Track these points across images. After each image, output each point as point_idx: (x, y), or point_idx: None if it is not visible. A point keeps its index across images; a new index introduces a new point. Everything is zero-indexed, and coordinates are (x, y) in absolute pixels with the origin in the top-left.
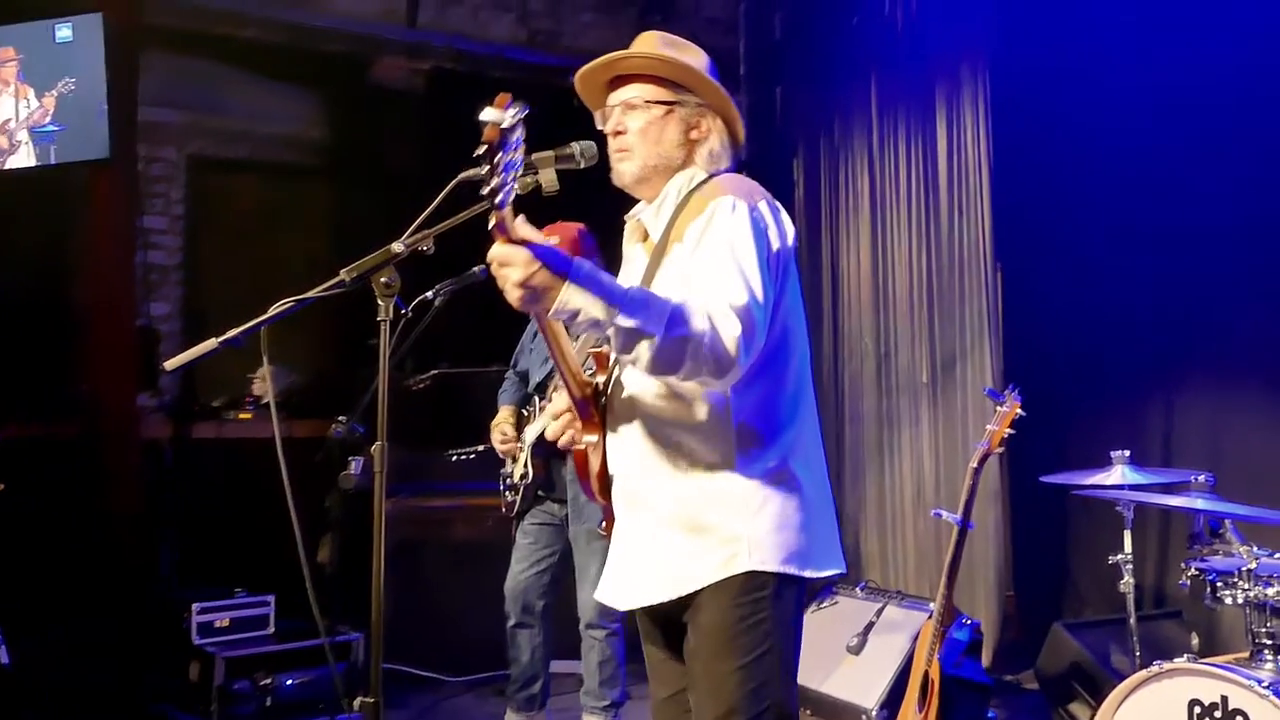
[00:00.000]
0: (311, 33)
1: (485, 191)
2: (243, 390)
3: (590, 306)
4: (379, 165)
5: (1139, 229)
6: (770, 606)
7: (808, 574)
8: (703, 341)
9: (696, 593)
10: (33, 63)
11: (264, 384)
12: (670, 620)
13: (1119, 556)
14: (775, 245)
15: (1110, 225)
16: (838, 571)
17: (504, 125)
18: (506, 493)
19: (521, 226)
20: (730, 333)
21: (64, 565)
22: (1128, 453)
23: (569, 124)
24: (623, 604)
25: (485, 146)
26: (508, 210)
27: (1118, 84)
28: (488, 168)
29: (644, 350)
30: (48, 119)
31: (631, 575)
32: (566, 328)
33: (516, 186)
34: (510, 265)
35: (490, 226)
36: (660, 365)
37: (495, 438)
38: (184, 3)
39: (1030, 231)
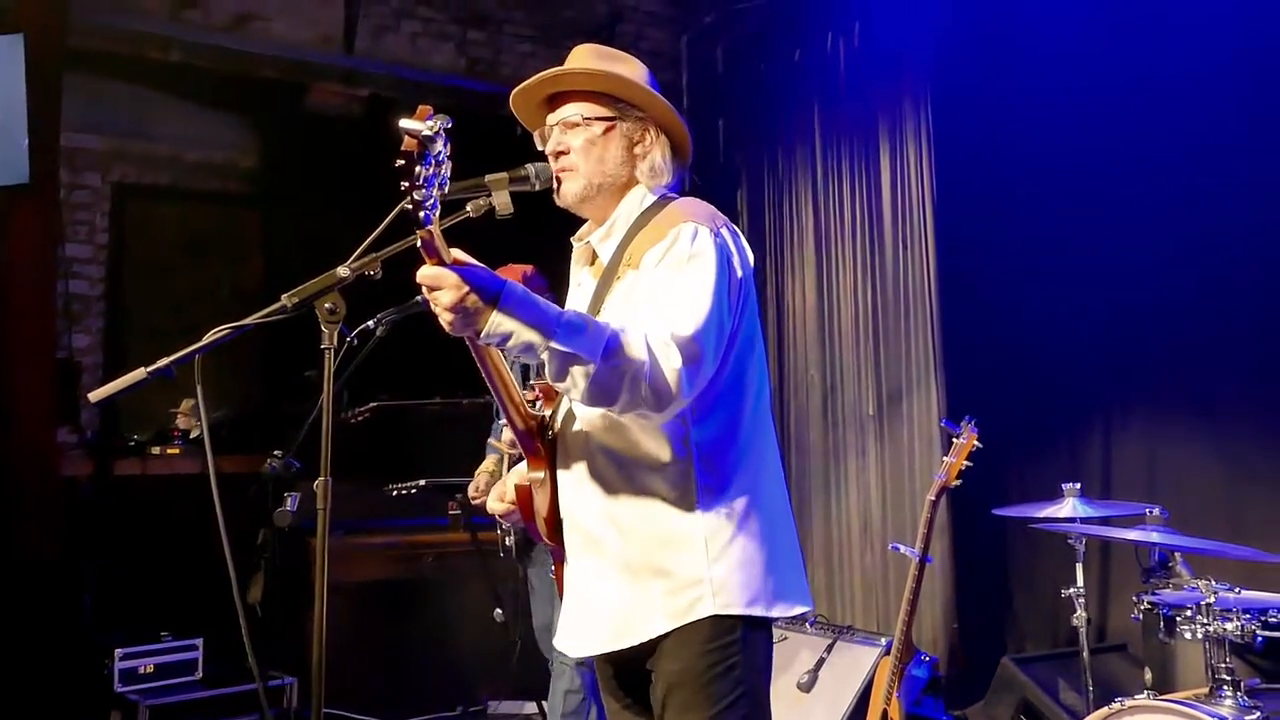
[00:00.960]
0: (244, 58)
1: (409, 206)
2: (168, 425)
3: (523, 330)
4: (314, 193)
5: (1082, 261)
6: (740, 651)
7: (775, 614)
8: (641, 372)
9: (660, 639)
10: None
11: (188, 418)
12: (630, 668)
13: (1072, 590)
14: (739, 273)
15: (1053, 257)
16: (805, 609)
17: (423, 134)
18: (505, 536)
19: (451, 249)
20: (671, 364)
21: None
22: (1079, 485)
23: (509, 153)
24: (578, 651)
25: (403, 160)
26: (433, 228)
27: (1059, 114)
28: (406, 183)
29: (579, 378)
30: None
31: (587, 621)
32: (503, 354)
33: (440, 201)
34: (440, 288)
35: (418, 245)
36: (595, 395)
37: (474, 486)
38: (110, 25)
39: (974, 264)
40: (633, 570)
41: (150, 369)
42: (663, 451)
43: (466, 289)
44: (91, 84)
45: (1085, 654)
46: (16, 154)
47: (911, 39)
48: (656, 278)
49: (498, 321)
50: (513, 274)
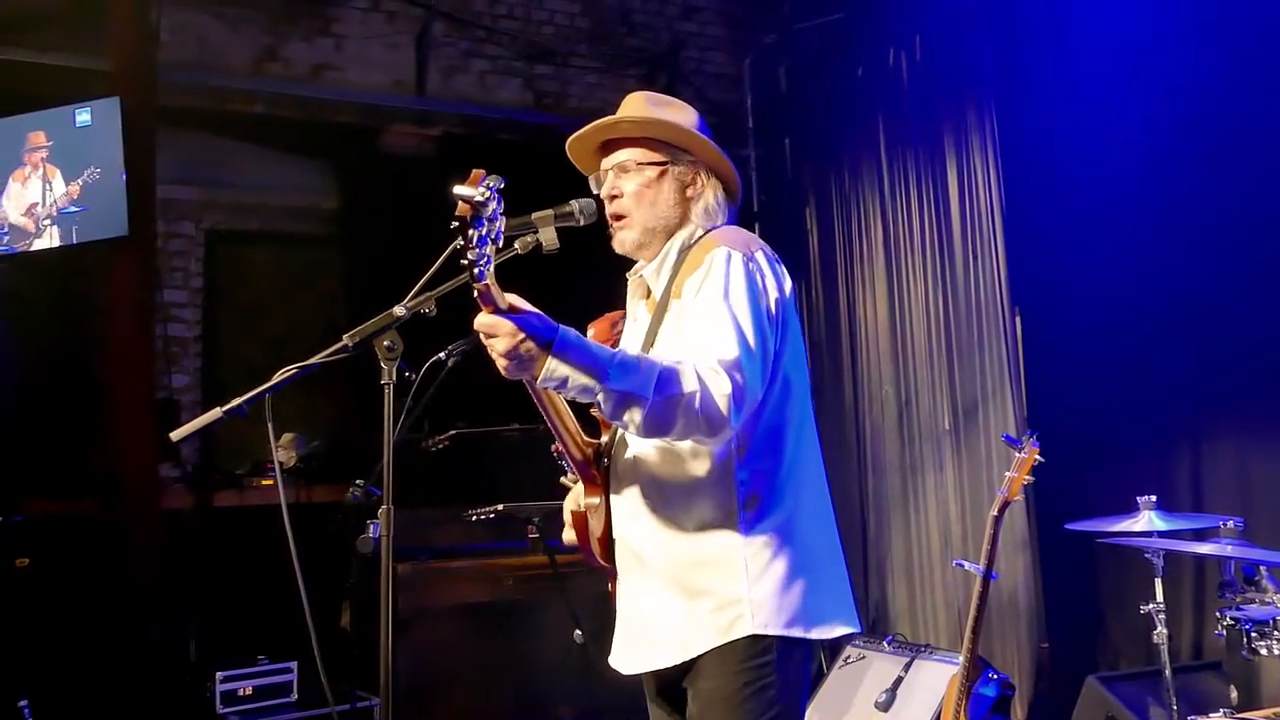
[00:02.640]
0: (321, 105)
1: (464, 264)
2: (264, 458)
3: (577, 375)
4: (391, 232)
5: (1159, 266)
6: (775, 671)
7: (814, 635)
8: (694, 401)
9: (698, 657)
10: (58, 146)
11: (285, 451)
12: (671, 685)
13: (1150, 606)
14: (773, 296)
15: (1129, 262)
16: (850, 630)
17: (475, 200)
18: None
19: (507, 296)
20: (721, 390)
21: (88, 637)
22: (1154, 498)
23: (577, 183)
24: (627, 668)
25: (457, 223)
26: (487, 281)
27: (1128, 116)
28: (461, 243)
29: (635, 414)
30: (72, 202)
31: (636, 639)
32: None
33: (494, 257)
34: (496, 336)
35: (475, 296)
36: (651, 428)
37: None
38: (197, 83)
39: (1048, 272)
40: (678, 590)
41: (225, 408)
42: (708, 476)
43: (521, 336)
44: (182, 138)
45: (1168, 671)
46: (117, 208)
47: (974, 48)
48: (697, 306)
49: (553, 367)
50: (605, 322)
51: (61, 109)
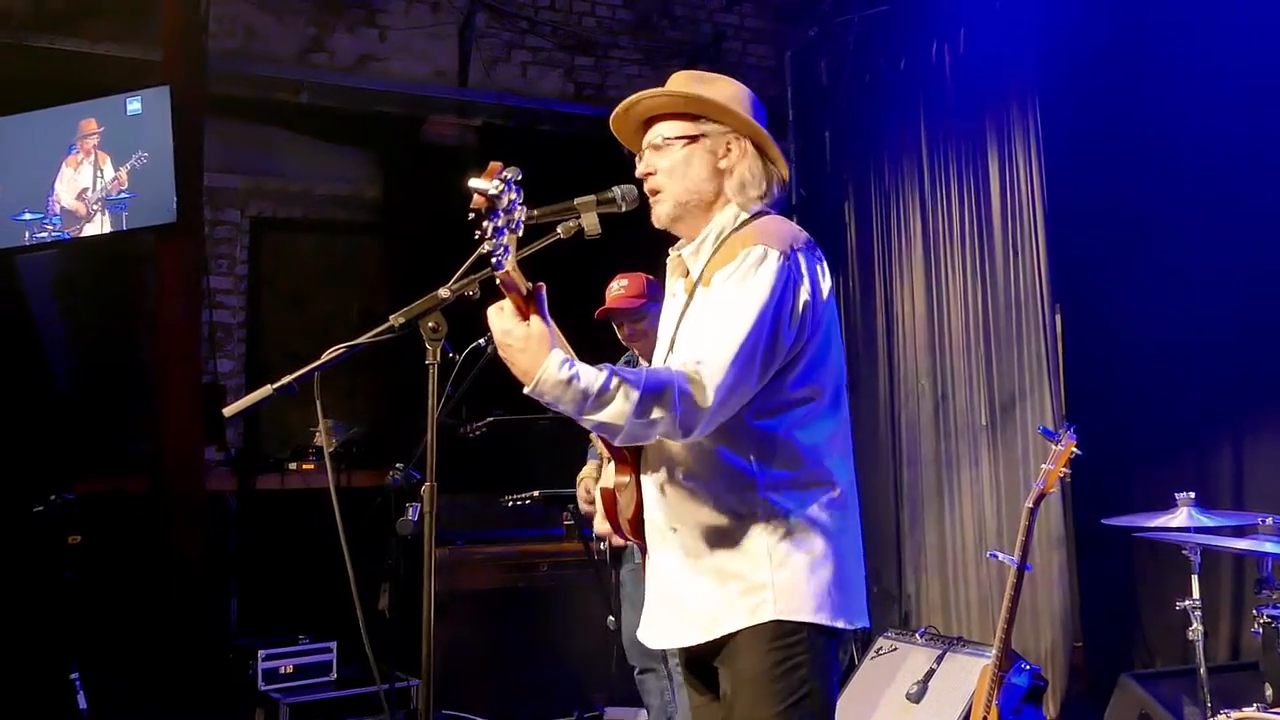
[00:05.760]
0: (365, 95)
1: (484, 251)
2: (305, 443)
3: (560, 401)
4: (432, 222)
5: (1200, 261)
6: (806, 652)
7: (840, 625)
8: (671, 420)
9: (731, 636)
10: (109, 133)
11: (324, 436)
12: (703, 664)
13: (1187, 603)
14: (804, 297)
15: (1171, 259)
16: (861, 626)
17: (490, 193)
18: (599, 543)
19: (530, 283)
20: (703, 402)
21: (136, 613)
22: (1193, 494)
23: (617, 172)
24: (655, 642)
25: (473, 214)
26: (507, 269)
27: (1173, 110)
28: (478, 235)
29: (613, 435)
30: (121, 189)
31: (665, 615)
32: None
33: (514, 246)
34: (498, 333)
35: (498, 284)
36: (627, 441)
37: (580, 493)
38: (244, 72)
39: (1089, 268)
40: (706, 570)
41: (275, 386)
42: (734, 462)
43: (516, 347)
44: (229, 127)
45: (1202, 670)
46: (166, 196)
47: (1018, 42)
48: (714, 298)
49: (538, 391)
50: (634, 279)
51: (113, 97)
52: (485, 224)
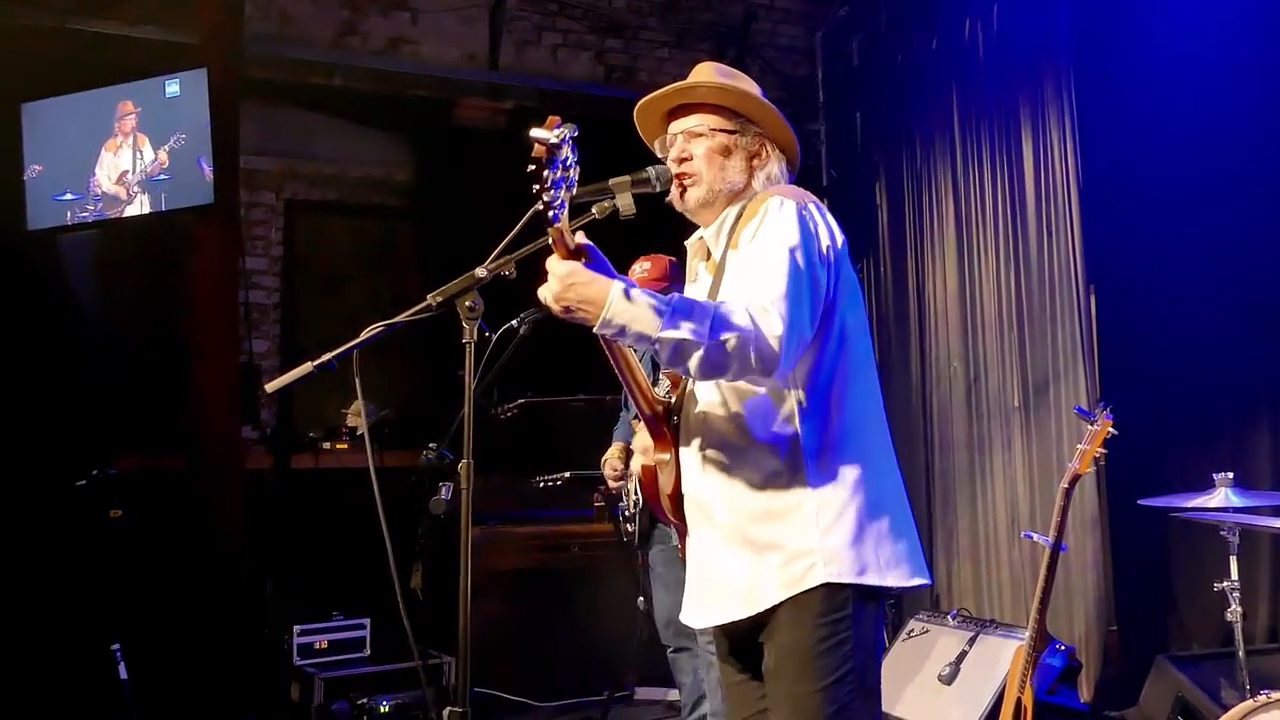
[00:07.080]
0: (397, 78)
1: (539, 207)
2: (338, 423)
3: (634, 322)
4: (463, 204)
5: (1239, 240)
6: (851, 625)
7: (889, 582)
8: (747, 342)
9: (774, 611)
10: (148, 115)
11: (356, 417)
12: (746, 640)
13: (1225, 584)
14: (825, 242)
15: (1209, 238)
16: (923, 582)
17: (550, 142)
18: (626, 524)
19: (580, 238)
20: (773, 330)
21: (174, 588)
22: (1231, 475)
23: (646, 155)
24: (698, 622)
25: (533, 165)
26: (561, 224)
27: (1211, 89)
28: (537, 185)
29: (690, 358)
30: (162, 170)
31: (706, 593)
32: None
33: (568, 201)
34: (559, 280)
35: (550, 241)
36: (707, 369)
37: (606, 472)
38: (279, 55)
39: (1125, 248)
40: (748, 544)
41: (315, 363)
42: (774, 428)
43: (584, 278)
44: (265, 110)
45: (1240, 652)
46: (203, 178)
47: (1051, 20)
48: (752, 249)
49: (610, 315)
50: (658, 262)
51: (152, 80)
52: (545, 174)
